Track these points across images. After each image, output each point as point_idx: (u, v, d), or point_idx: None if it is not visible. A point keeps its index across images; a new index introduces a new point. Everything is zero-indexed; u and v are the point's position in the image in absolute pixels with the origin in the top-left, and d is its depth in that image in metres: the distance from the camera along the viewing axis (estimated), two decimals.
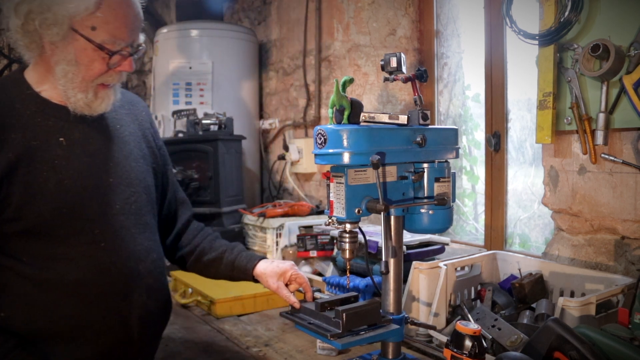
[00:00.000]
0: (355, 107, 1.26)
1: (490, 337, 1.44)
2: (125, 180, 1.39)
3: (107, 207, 1.34)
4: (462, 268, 1.80)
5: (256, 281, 1.55)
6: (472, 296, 1.79)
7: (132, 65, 1.32)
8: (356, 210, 1.23)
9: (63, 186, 1.28)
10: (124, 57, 1.29)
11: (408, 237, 1.88)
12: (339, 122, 1.26)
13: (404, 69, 1.30)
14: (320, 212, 2.71)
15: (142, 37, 1.34)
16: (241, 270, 1.55)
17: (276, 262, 1.54)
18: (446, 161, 1.33)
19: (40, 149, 1.26)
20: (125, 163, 1.41)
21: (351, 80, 1.26)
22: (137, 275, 1.37)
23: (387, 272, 1.29)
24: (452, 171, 1.34)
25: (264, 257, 1.57)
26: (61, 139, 1.30)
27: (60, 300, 1.26)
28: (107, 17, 1.23)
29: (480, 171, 2.52)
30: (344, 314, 1.20)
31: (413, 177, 1.30)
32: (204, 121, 2.81)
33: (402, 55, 1.29)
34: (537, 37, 1.77)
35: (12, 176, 1.23)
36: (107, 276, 1.31)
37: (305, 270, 2.33)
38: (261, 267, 1.52)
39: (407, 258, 1.80)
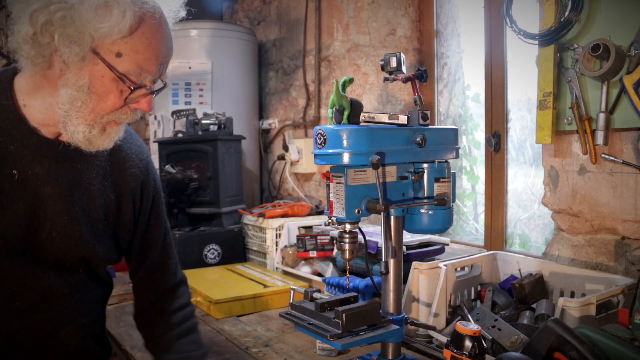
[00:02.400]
0: (355, 107, 1.25)
1: (490, 337, 1.44)
2: (72, 240, 1.19)
3: (36, 263, 1.16)
4: (462, 268, 1.79)
5: None
6: (472, 296, 1.79)
7: (152, 105, 1.13)
8: (356, 210, 1.22)
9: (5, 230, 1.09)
10: (144, 94, 1.11)
11: (408, 238, 1.88)
12: (338, 122, 1.26)
13: (403, 68, 1.30)
14: (320, 213, 2.71)
15: (167, 73, 1.16)
16: None
17: None
18: (446, 161, 1.33)
19: None
20: (77, 217, 1.20)
21: (351, 80, 1.25)
22: (55, 341, 1.21)
23: (387, 272, 1.28)
24: (452, 171, 1.34)
25: None
26: (14, 171, 1.10)
27: None
28: (137, 45, 1.05)
29: (480, 171, 2.52)
30: (344, 315, 1.20)
31: (413, 177, 1.30)
32: (203, 121, 2.81)
33: (402, 55, 1.29)
34: (537, 37, 1.77)
35: None
36: (15, 341, 1.16)
37: (305, 271, 2.32)
38: None
39: (407, 258, 1.80)
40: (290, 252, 2.41)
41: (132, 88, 1.08)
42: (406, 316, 1.35)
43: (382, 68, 1.32)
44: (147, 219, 1.37)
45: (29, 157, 1.13)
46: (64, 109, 1.08)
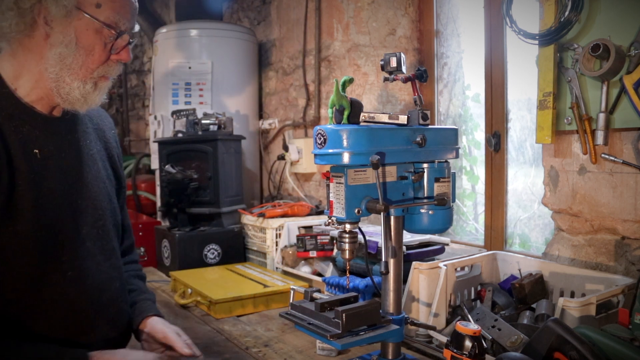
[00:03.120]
0: (355, 107, 1.25)
1: (490, 337, 1.44)
2: (93, 203, 1.28)
3: (75, 232, 1.23)
4: (462, 268, 1.79)
5: (137, 334, 1.41)
6: (472, 296, 1.79)
7: (130, 54, 1.23)
8: (356, 210, 1.22)
9: (40, 205, 1.15)
10: (123, 45, 1.20)
11: (408, 238, 1.88)
12: (338, 122, 1.26)
13: (403, 68, 1.30)
14: (320, 212, 2.71)
15: (136, 27, 1.27)
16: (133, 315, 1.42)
17: (165, 326, 1.38)
18: (446, 161, 1.33)
19: (16, 160, 1.13)
20: (94, 184, 1.29)
21: (351, 80, 1.25)
22: (101, 306, 1.27)
23: (387, 272, 1.28)
24: (452, 171, 1.34)
25: (160, 315, 1.44)
26: (36, 150, 1.16)
27: (23, 337, 1.14)
28: None
29: (480, 171, 2.52)
30: (344, 315, 1.20)
31: (413, 177, 1.30)
32: (203, 121, 2.81)
33: (402, 55, 1.29)
34: (537, 37, 1.77)
35: None
36: (72, 310, 1.21)
37: (305, 271, 2.32)
38: (149, 323, 1.38)
39: (407, 258, 1.80)
40: (290, 252, 2.41)
41: (117, 34, 1.17)
42: (406, 316, 1.35)
43: (382, 68, 1.32)
44: (123, 177, 1.48)
45: (41, 136, 1.19)
46: (55, 72, 1.15)
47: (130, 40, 1.22)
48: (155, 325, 1.37)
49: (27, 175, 1.14)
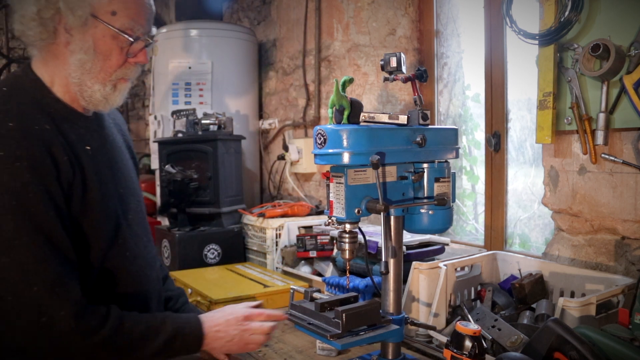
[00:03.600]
0: (355, 107, 1.25)
1: (490, 337, 1.44)
2: (129, 191, 1.38)
3: (124, 219, 1.33)
4: (462, 268, 1.79)
5: None
6: (472, 296, 1.79)
7: (147, 56, 1.29)
8: (356, 210, 1.22)
9: (103, 196, 1.25)
10: (140, 47, 1.26)
11: (408, 238, 1.88)
12: (338, 122, 1.26)
13: (403, 68, 1.30)
14: (320, 212, 2.71)
15: (154, 29, 1.31)
16: None
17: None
18: (446, 161, 1.33)
19: (77, 158, 1.21)
20: (127, 173, 1.40)
21: (351, 80, 1.25)
22: (153, 282, 1.39)
23: (387, 272, 1.28)
24: (452, 171, 1.34)
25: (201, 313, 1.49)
26: (87, 147, 1.25)
27: None
28: (127, 2, 1.22)
29: (480, 171, 2.52)
30: (344, 315, 1.20)
31: (413, 177, 1.30)
32: (203, 121, 2.81)
33: (402, 55, 1.29)
34: (537, 37, 1.77)
35: (71, 195, 1.19)
36: (134, 289, 1.31)
37: (305, 271, 2.32)
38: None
39: (407, 258, 1.80)
40: (290, 252, 2.41)
41: (132, 40, 1.23)
42: (406, 316, 1.35)
43: (382, 68, 1.32)
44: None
45: (86, 134, 1.28)
46: (77, 76, 1.22)
47: (148, 43, 1.28)
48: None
49: (89, 169, 1.23)
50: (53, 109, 1.23)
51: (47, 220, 1.11)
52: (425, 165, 1.30)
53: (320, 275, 2.27)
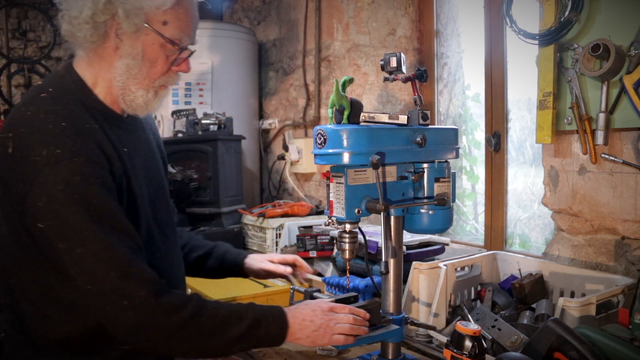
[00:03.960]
0: (355, 107, 1.25)
1: (490, 337, 1.44)
2: (159, 192, 1.41)
3: (154, 218, 1.35)
4: (462, 268, 1.79)
5: (245, 275, 1.62)
6: (472, 296, 1.79)
7: (189, 66, 1.32)
8: (356, 210, 1.22)
9: (140, 197, 1.28)
10: (185, 57, 1.30)
11: (408, 237, 1.88)
12: (338, 122, 1.26)
13: (403, 68, 1.30)
14: (320, 212, 2.71)
15: (196, 40, 1.34)
16: (231, 262, 1.59)
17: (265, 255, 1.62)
18: (446, 161, 1.33)
19: (119, 160, 1.23)
20: (157, 174, 1.43)
21: (351, 80, 1.25)
22: (179, 281, 1.43)
23: (387, 272, 1.28)
24: (452, 171, 1.34)
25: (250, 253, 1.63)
26: (125, 149, 1.27)
27: None
28: (179, 14, 1.24)
29: (480, 171, 2.52)
30: None
31: (413, 177, 1.30)
32: (203, 121, 2.81)
33: (402, 55, 1.29)
34: (537, 37, 1.77)
35: (120, 191, 1.22)
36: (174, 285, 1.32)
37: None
38: (250, 257, 1.60)
39: (407, 258, 1.80)
40: (290, 252, 2.41)
41: (179, 50, 1.27)
42: (406, 316, 1.35)
43: (382, 68, 1.32)
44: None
45: (124, 135, 1.30)
46: (122, 80, 1.25)
47: (191, 53, 1.32)
48: (255, 257, 1.62)
49: (129, 170, 1.25)
50: (95, 110, 1.25)
51: (110, 209, 1.14)
52: (425, 165, 1.30)
53: (320, 275, 2.27)
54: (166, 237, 1.40)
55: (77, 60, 1.30)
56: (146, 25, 1.22)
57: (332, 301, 1.29)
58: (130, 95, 1.27)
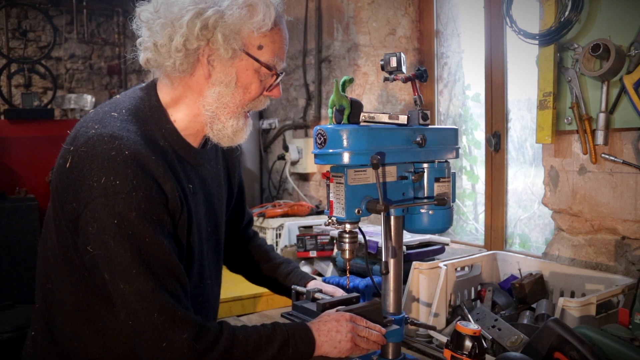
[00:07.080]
0: (355, 107, 1.25)
1: (491, 337, 1.44)
2: (213, 228, 1.35)
3: (206, 256, 1.32)
4: (462, 268, 1.79)
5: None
6: (472, 296, 1.79)
7: (281, 90, 1.27)
8: (356, 210, 1.22)
9: (201, 236, 1.26)
10: (277, 81, 1.24)
11: (408, 237, 1.88)
12: (338, 122, 1.26)
13: (403, 68, 1.30)
14: (320, 212, 2.71)
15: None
16: (291, 283, 1.54)
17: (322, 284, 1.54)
18: (446, 161, 1.33)
19: (183, 198, 1.18)
20: (217, 209, 1.37)
21: (351, 80, 1.25)
22: (213, 312, 1.43)
23: (387, 272, 1.28)
24: (452, 171, 1.34)
25: (315, 278, 1.57)
26: (190, 185, 1.22)
27: None
28: (274, 37, 1.20)
29: (480, 171, 2.52)
30: None
31: (413, 177, 1.30)
32: None
33: (402, 55, 1.29)
34: (537, 37, 1.77)
35: (176, 227, 1.18)
36: (200, 308, 1.29)
37: (305, 271, 2.32)
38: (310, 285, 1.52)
39: (407, 258, 1.80)
40: (290, 252, 2.41)
41: (278, 74, 1.22)
42: (406, 316, 1.35)
43: (382, 68, 1.32)
44: (241, 183, 1.56)
45: (191, 171, 1.26)
46: (211, 109, 1.19)
47: (282, 77, 1.26)
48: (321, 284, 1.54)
49: (193, 210, 1.21)
50: (167, 141, 1.20)
51: (162, 250, 1.10)
52: (425, 165, 1.30)
53: (320, 275, 2.27)
54: (211, 276, 1.36)
55: (160, 84, 1.23)
56: (242, 50, 1.16)
57: (330, 303, 1.29)
58: (219, 124, 1.21)
